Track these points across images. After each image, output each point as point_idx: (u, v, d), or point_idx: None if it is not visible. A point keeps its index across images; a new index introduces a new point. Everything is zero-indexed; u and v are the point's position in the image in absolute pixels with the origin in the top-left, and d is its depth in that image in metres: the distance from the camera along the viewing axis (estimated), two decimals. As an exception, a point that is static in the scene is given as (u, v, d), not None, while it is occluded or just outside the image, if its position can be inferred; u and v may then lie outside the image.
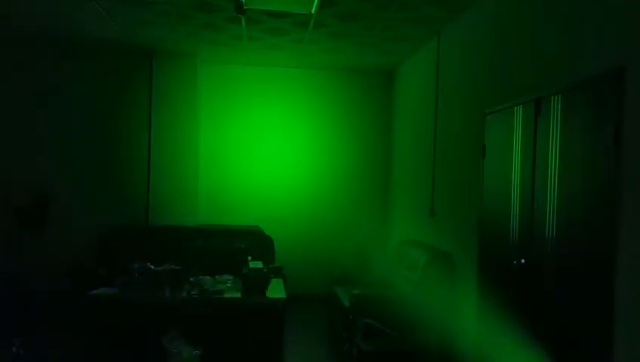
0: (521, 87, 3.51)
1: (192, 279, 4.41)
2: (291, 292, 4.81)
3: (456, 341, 4.41)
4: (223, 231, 6.40)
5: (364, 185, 6.99)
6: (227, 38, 5.66)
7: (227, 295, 4.25)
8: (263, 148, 6.89)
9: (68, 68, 6.46)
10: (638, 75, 2.43)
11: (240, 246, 6.29)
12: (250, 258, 4.55)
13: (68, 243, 6.28)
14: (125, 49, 6.27)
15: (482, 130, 4.07)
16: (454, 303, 4.55)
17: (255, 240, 6.35)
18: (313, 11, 4.62)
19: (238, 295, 4.25)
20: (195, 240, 6.26)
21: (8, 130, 6.29)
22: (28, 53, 6.33)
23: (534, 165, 3.26)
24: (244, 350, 4.12)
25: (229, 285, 4.52)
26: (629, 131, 2.48)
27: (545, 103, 3.16)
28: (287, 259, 6.27)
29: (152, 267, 4.18)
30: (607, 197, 2.59)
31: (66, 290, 5.58)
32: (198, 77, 6.56)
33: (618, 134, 2.53)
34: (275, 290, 4.40)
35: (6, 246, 5.81)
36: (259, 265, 4.44)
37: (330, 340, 5.36)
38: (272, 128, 6.90)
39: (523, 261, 3.34)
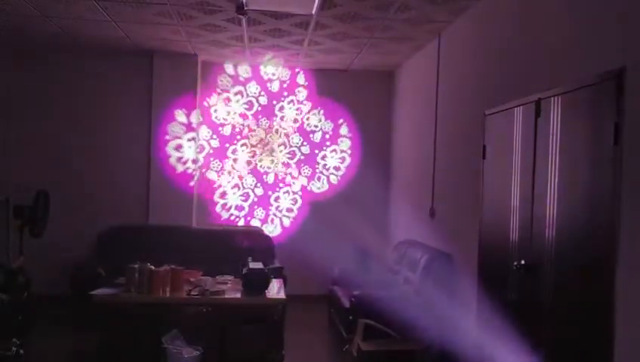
0: (521, 89, 3.52)
1: (192, 279, 4.41)
2: (291, 292, 4.81)
3: (456, 341, 4.41)
4: (224, 232, 6.41)
5: (364, 186, 6.98)
6: (228, 38, 5.66)
7: (227, 295, 4.25)
8: (262, 147, 6.88)
9: (67, 68, 6.46)
10: (638, 75, 2.44)
11: (240, 246, 6.29)
12: (250, 258, 4.55)
13: (68, 243, 6.27)
14: (125, 49, 6.27)
15: (482, 130, 4.07)
16: (454, 304, 4.55)
17: (255, 241, 6.35)
18: (314, 12, 4.63)
19: (239, 295, 4.26)
20: (195, 240, 6.26)
21: (8, 130, 6.28)
22: (27, 54, 6.34)
23: (534, 166, 3.26)
24: (244, 350, 4.13)
25: (229, 285, 4.52)
26: (628, 132, 2.49)
27: (545, 105, 3.17)
28: (287, 260, 6.26)
29: (152, 267, 4.18)
30: (607, 198, 2.59)
31: (66, 290, 5.58)
32: (198, 77, 6.56)
33: (618, 135, 2.53)
34: (276, 291, 4.41)
35: (5, 245, 5.80)
36: (259, 265, 4.44)
37: (330, 340, 5.37)
38: (272, 128, 6.89)
39: (523, 262, 3.34)
